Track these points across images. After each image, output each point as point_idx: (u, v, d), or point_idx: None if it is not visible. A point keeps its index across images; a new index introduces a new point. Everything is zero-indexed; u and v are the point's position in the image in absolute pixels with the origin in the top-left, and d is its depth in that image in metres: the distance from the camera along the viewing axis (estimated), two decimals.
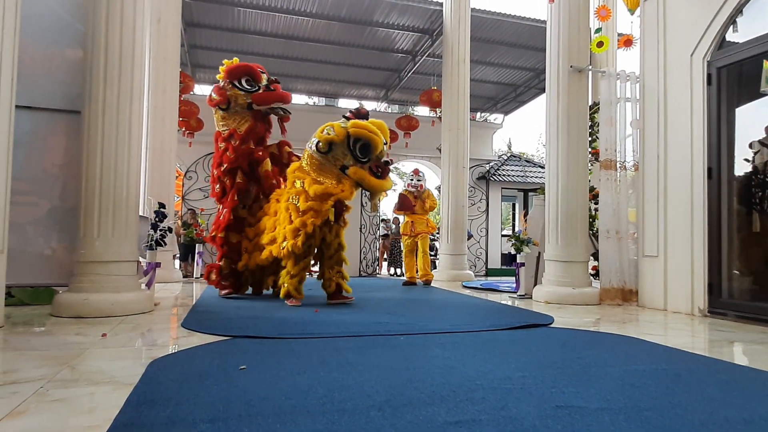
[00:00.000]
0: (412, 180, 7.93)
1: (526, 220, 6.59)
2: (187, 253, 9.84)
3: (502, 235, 13.81)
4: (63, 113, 4.66)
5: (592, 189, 6.11)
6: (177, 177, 9.47)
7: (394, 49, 11.28)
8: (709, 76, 4.78)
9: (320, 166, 4.84)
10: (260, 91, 5.50)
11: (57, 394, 1.98)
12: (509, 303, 5.65)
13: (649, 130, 5.43)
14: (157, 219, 5.22)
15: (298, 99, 13.56)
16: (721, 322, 4.37)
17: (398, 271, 11.73)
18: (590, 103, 6.40)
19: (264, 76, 5.62)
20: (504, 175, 13.83)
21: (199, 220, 9.96)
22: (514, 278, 6.79)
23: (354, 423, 1.68)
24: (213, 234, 5.75)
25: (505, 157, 15.15)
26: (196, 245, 9.36)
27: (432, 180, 13.11)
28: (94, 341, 3.06)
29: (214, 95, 5.59)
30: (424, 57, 11.22)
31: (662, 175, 5.21)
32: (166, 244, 5.46)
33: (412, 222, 7.81)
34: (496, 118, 15.37)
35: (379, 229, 12.03)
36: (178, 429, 1.61)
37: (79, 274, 4.16)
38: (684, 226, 4.92)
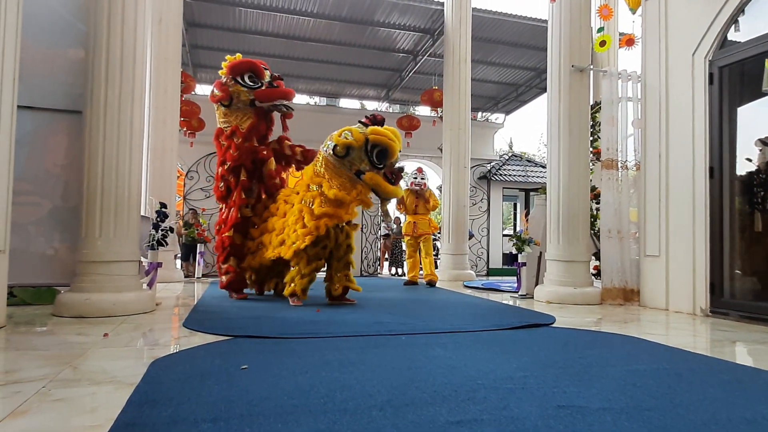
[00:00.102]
0: (415, 178, 7.91)
1: (527, 220, 6.59)
2: (188, 253, 9.85)
3: (504, 235, 13.81)
4: (64, 113, 4.68)
5: (593, 188, 6.10)
6: (178, 177, 9.47)
7: (395, 49, 11.28)
8: (710, 75, 4.77)
9: (335, 169, 4.86)
10: (263, 88, 5.43)
11: (59, 394, 1.99)
12: (510, 303, 5.65)
13: (650, 130, 5.43)
14: (158, 219, 5.23)
15: (299, 99, 13.56)
16: (723, 321, 4.36)
17: (399, 270, 11.73)
18: (592, 103, 6.40)
19: (267, 73, 5.53)
20: (505, 174, 13.82)
21: (201, 220, 9.97)
22: (515, 278, 6.79)
23: (356, 423, 1.68)
24: (223, 233, 5.56)
25: (507, 157, 15.14)
26: (198, 245, 9.37)
27: (433, 180, 13.12)
28: (95, 341, 3.06)
29: (216, 91, 5.51)
30: (425, 57, 11.23)
31: (664, 174, 5.21)
32: (167, 244, 5.47)
33: (414, 222, 7.77)
34: (497, 117, 15.37)
35: (380, 229, 12.03)
36: (180, 428, 1.61)
37: (81, 274, 4.17)
38: (686, 226, 4.92)
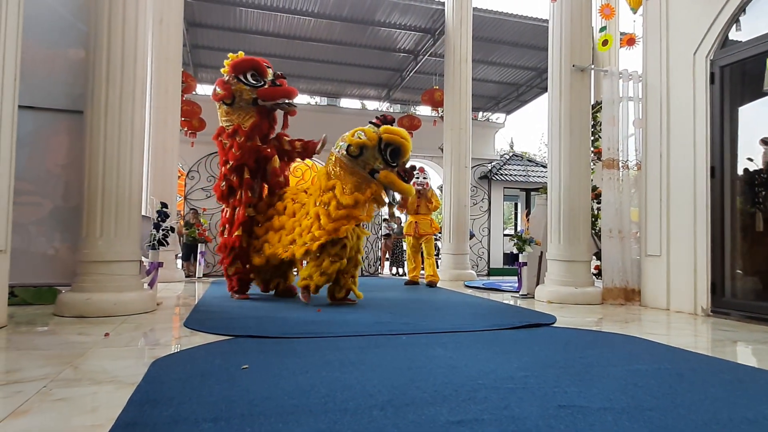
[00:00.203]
0: (417, 178, 7.89)
1: (528, 220, 6.58)
2: (189, 253, 9.85)
3: (504, 235, 13.80)
4: (65, 113, 4.68)
5: (594, 188, 6.10)
6: (179, 177, 9.48)
7: (396, 49, 11.28)
8: (712, 74, 4.77)
9: (349, 169, 4.90)
10: (266, 87, 5.39)
11: (60, 394, 1.99)
12: (511, 302, 5.65)
13: (651, 129, 5.42)
14: (159, 219, 5.23)
15: (300, 99, 13.54)
16: (725, 321, 4.36)
17: (400, 270, 11.73)
18: (593, 102, 6.40)
19: (269, 71, 5.50)
20: (506, 174, 13.82)
21: (202, 220, 9.98)
22: (516, 278, 6.79)
23: (356, 422, 1.67)
24: (232, 234, 5.46)
25: (507, 157, 15.14)
26: (199, 245, 9.37)
27: (434, 179, 13.11)
28: (96, 341, 3.07)
29: (218, 90, 5.45)
30: (425, 56, 11.22)
31: (665, 174, 5.20)
32: (168, 243, 5.47)
33: (416, 222, 7.76)
34: (498, 117, 15.37)
35: (381, 229, 12.03)
36: (181, 428, 1.61)
37: (82, 274, 4.17)
38: (687, 226, 4.91)
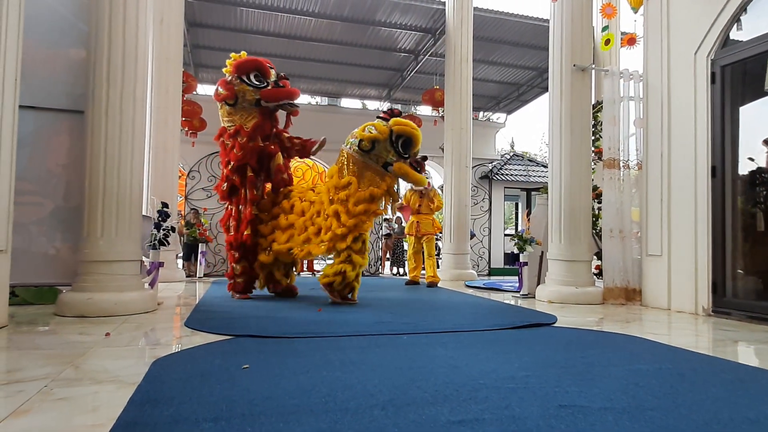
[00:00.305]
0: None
1: (529, 220, 6.58)
2: (190, 253, 9.85)
3: (505, 235, 13.80)
4: (66, 113, 4.68)
5: (595, 188, 6.09)
6: (180, 177, 9.49)
7: (397, 49, 11.28)
8: (713, 74, 4.76)
9: (362, 164, 4.96)
10: (269, 88, 5.36)
11: (61, 393, 1.99)
12: (512, 302, 5.65)
13: (652, 129, 5.42)
14: (160, 218, 5.23)
15: (300, 99, 13.54)
16: (725, 321, 4.35)
17: (401, 270, 11.72)
18: (593, 102, 6.39)
19: (272, 72, 5.48)
20: (507, 174, 13.81)
21: (202, 220, 9.98)
22: (517, 277, 6.78)
23: (357, 422, 1.67)
24: (241, 232, 5.39)
25: (508, 157, 15.13)
26: (199, 245, 9.37)
27: (435, 179, 13.12)
28: (97, 340, 3.07)
29: (221, 90, 5.42)
30: (426, 56, 11.22)
31: (666, 174, 5.20)
32: (169, 243, 5.47)
33: (417, 222, 7.75)
34: (498, 117, 15.36)
35: (381, 229, 12.03)
36: (182, 428, 1.61)
37: (83, 274, 4.17)
38: (688, 225, 4.91)
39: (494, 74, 12.65)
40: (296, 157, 6.06)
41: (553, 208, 5.74)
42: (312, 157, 6.40)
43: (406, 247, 10.82)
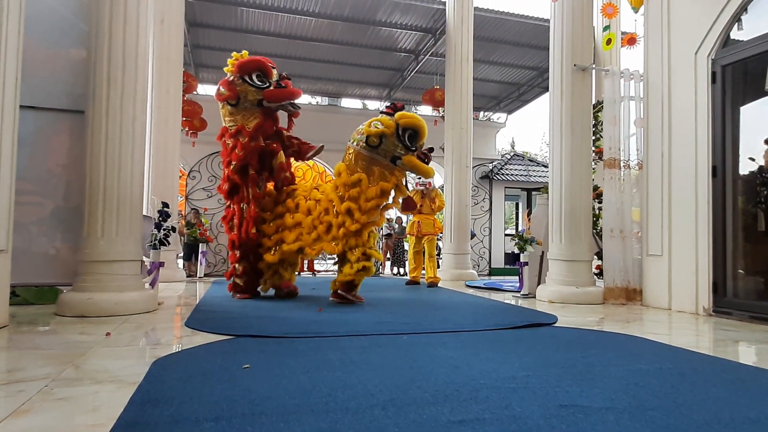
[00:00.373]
0: (420, 177, 7.87)
1: (529, 219, 6.58)
2: (190, 253, 9.86)
3: (506, 235, 13.79)
4: (67, 113, 4.68)
5: (595, 188, 6.09)
6: (180, 177, 9.49)
7: (397, 49, 11.28)
8: (713, 74, 4.76)
9: (370, 160, 5.00)
10: (271, 88, 5.34)
11: (61, 393, 1.99)
12: (513, 302, 5.64)
13: (653, 129, 5.42)
14: (160, 218, 5.24)
15: (301, 99, 13.55)
16: (726, 321, 4.35)
17: (401, 270, 11.72)
18: (594, 102, 6.39)
19: (274, 72, 5.46)
20: (507, 174, 13.81)
21: (203, 220, 9.99)
22: (517, 277, 6.78)
23: (357, 422, 1.67)
24: (249, 231, 5.34)
25: (509, 156, 15.12)
26: (200, 245, 9.38)
27: (435, 179, 13.11)
28: (98, 340, 3.07)
29: (223, 90, 5.39)
30: (427, 56, 11.22)
31: (666, 173, 5.20)
32: (169, 243, 5.46)
33: (418, 222, 7.75)
34: (499, 117, 15.35)
35: (381, 229, 12.03)
36: (182, 428, 1.61)
37: (83, 274, 4.18)
38: (688, 225, 4.91)
39: (495, 74, 12.65)
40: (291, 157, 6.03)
41: (554, 208, 5.74)
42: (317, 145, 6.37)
43: (406, 247, 10.81)
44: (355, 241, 5.00)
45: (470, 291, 7.08)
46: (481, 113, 15.18)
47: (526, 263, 6.21)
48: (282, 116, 5.72)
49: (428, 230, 7.69)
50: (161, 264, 5.17)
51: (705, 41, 4.83)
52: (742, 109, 4.79)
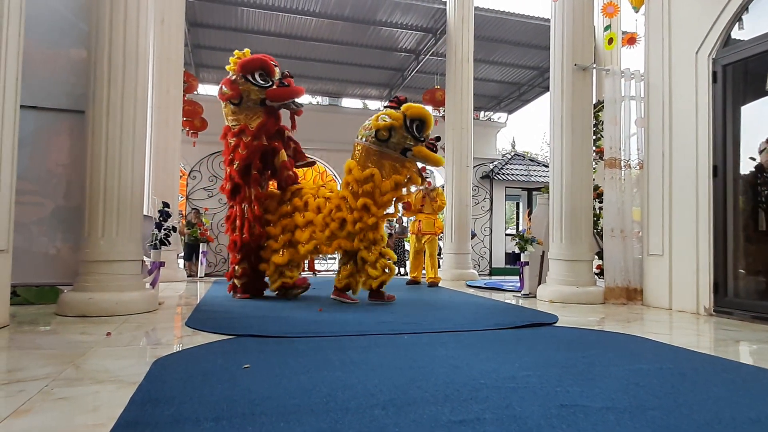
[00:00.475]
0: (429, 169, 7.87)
1: (530, 219, 6.58)
2: (191, 253, 9.86)
3: (506, 234, 13.78)
4: (67, 113, 4.68)
5: (596, 188, 6.09)
6: (181, 177, 9.49)
7: (398, 49, 11.28)
8: (714, 73, 4.75)
9: (381, 155, 5.03)
10: (274, 87, 5.31)
11: (62, 393, 1.99)
12: (513, 302, 5.64)
13: (653, 129, 5.41)
14: (161, 218, 5.24)
15: (302, 99, 13.56)
16: (727, 321, 4.34)
17: (402, 270, 11.72)
18: (594, 102, 6.38)
19: (277, 70, 5.43)
20: (508, 174, 13.80)
21: (203, 220, 9.99)
22: (518, 277, 6.78)
23: (358, 422, 1.67)
24: (257, 231, 5.31)
25: (509, 156, 15.11)
26: (200, 245, 9.38)
27: (437, 179, 13.11)
28: (98, 340, 3.07)
29: (225, 89, 5.35)
30: (427, 56, 11.22)
31: (667, 173, 5.19)
32: (170, 243, 5.46)
33: (419, 221, 7.76)
34: (499, 116, 15.34)
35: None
36: (183, 427, 1.61)
37: (84, 274, 4.18)
38: (689, 225, 4.90)
39: (495, 74, 12.64)
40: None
41: (554, 208, 5.74)
42: (312, 156, 6.38)
43: (407, 246, 10.80)
44: (373, 235, 5.07)
45: (471, 291, 7.08)
46: (482, 113, 15.17)
47: (527, 263, 6.21)
48: (284, 115, 5.70)
49: (428, 229, 7.68)
50: (162, 264, 5.17)
51: (706, 41, 4.83)
52: (743, 108, 4.78)
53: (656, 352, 2.97)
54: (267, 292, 5.74)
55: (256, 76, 5.28)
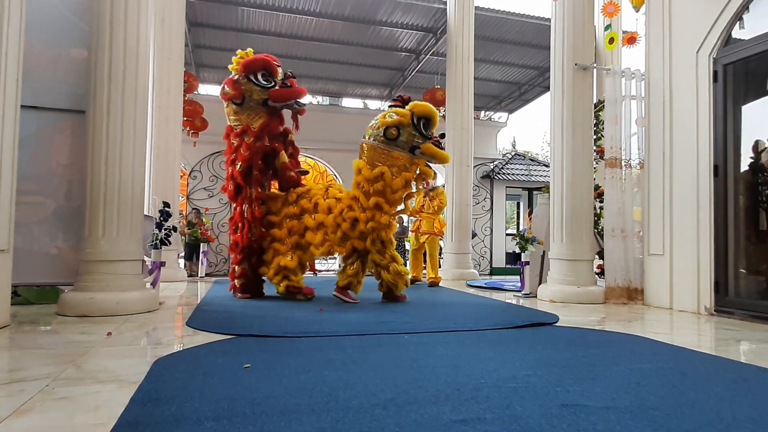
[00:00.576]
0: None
1: (530, 219, 6.57)
2: (191, 253, 9.86)
3: (507, 234, 13.78)
4: (68, 113, 4.68)
5: (597, 187, 6.08)
6: (181, 176, 9.49)
7: (398, 48, 11.27)
8: (715, 73, 4.75)
9: (389, 153, 5.06)
10: (276, 87, 5.29)
11: (63, 393, 1.99)
12: (514, 302, 5.64)
13: (654, 128, 5.41)
14: (161, 218, 5.24)
15: (303, 99, 13.56)
16: (728, 320, 4.34)
17: None
18: (595, 101, 6.38)
19: (280, 70, 5.41)
20: (508, 173, 13.79)
21: (204, 220, 9.99)
22: (518, 277, 6.78)
23: (358, 421, 1.67)
24: (260, 232, 5.32)
25: (510, 156, 15.10)
26: (201, 244, 9.38)
27: (437, 179, 13.11)
28: (99, 340, 3.07)
29: (227, 89, 5.31)
30: (428, 56, 11.22)
31: (668, 173, 5.19)
32: (170, 243, 5.46)
33: (420, 221, 7.76)
34: (500, 116, 15.34)
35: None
36: (183, 427, 1.61)
37: (85, 273, 4.18)
38: (690, 224, 4.90)
39: (496, 73, 12.64)
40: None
41: (555, 208, 5.73)
42: (313, 156, 6.39)
43: (407, 246, 10.79)
44: (386, 234, 5.14)
45: (471, 290, 7.08)
46: (482, 113, 15.17)
47: (528, 263, 6.21)
48: (286, 114, 5.68)
49: (428, 230, 7.68)
50: (162, 264, 5.17)
51: (706, 40, 4.82)
52: (744, 108, 4.78)
53: (657, 352, 2.97)
54: (267, 292, 5.74)
55: (259, 77, 5.25)
